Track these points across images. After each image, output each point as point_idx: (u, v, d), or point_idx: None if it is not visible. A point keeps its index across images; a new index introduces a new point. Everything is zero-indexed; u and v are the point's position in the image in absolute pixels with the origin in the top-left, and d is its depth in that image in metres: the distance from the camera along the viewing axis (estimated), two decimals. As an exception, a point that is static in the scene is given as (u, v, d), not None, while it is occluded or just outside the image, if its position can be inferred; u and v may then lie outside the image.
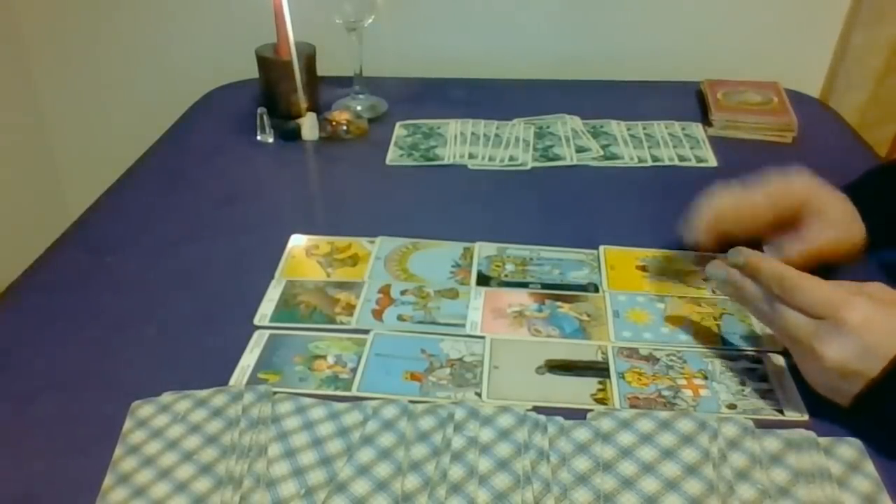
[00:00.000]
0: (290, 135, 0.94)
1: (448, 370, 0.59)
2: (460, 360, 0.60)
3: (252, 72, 0.97)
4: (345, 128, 0.95)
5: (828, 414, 0.55)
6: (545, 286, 0.69)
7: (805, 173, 0.66)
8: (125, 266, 0.72)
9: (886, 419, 0.52)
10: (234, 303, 0.66)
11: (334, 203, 0.85)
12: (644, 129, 0.97)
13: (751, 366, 0.60)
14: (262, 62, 0.95)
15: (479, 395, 0.57)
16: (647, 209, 0.79)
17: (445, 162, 0.90)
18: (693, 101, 1.05)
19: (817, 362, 0.53)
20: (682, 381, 0.58)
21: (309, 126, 0.94)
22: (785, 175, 0.66)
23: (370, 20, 0.96)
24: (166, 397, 0.56)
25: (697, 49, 1.13)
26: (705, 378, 0.58)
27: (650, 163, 0.90)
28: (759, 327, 0.63)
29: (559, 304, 0.66)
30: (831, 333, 0.51)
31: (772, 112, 0.96)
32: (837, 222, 0.65)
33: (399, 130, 0.98)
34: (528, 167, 0.89)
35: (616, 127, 0.98)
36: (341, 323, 0.64)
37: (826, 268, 0.63)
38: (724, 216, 0.66)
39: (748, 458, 0.50)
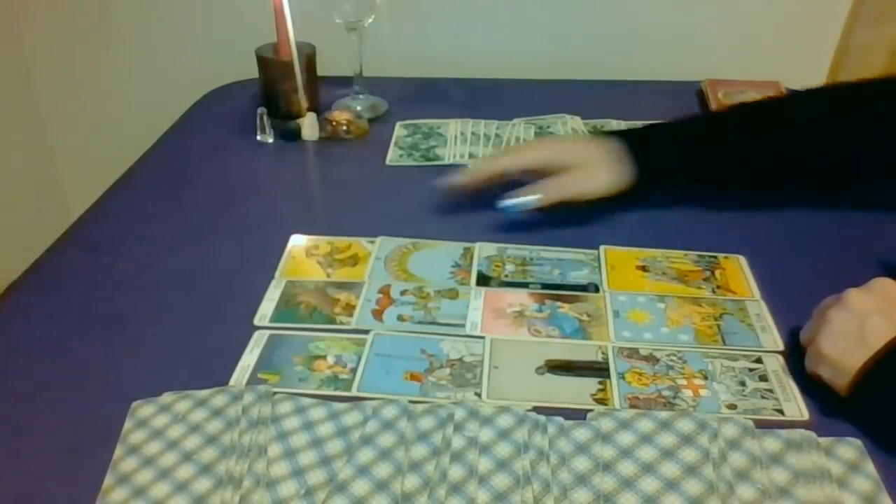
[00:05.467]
0: (290, 135, 0.94)
1: (448, 370, 0.59)
2: (460, 360, 0.60)
3: (252, 72, 0.97)
4: (345, 128, 0.95)
5: (828, 414, 0.55)
6: (545, 286, 0.69)
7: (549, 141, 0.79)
8: (125, 266, 0.72)
9: (874, 408, 0.53)
10: (234, 303, 0.66)
11: (334, 203, 0.85)
12: (644, 128, 0.97)
13: (751, 366, 0.60)
14: (262, 62, 0.95)
15: (479, 395, 0.57)
16: (647, 209, 0.79)
17: (445, 162, 0.90)
18: (693, 101, 1.05)
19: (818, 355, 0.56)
20: (682, 381, 0.58)
21: (309, 126, 0.94)
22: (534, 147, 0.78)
23: (370, 20, 0.96)
24: (166, 397, 0.56)
25: (697, 49, 1.12)
26: (705, 378, 0.58)
27: (650, 163, 0.89)
28: (759, 327, 0.63)
29: (559, 304, 0.66)
30: (822, 325, 0.55)
31: (772, 112, 0.96)
32: (584, 174, 0.75)
33: (399, 130, 0.98)
34: (529, 167, 0.89)
35: (616, 127, 0.98)
36: (341, 323, 0.64)
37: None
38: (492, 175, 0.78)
39: (748, 459, 0.50)
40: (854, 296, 0.55)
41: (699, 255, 0.73)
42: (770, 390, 0.57)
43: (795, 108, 0.77)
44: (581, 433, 0.52)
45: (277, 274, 0.70)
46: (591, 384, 0.58)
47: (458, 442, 0.51)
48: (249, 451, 0.51)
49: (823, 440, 0.52)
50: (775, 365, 0.60)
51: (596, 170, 0.75)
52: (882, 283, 0.56)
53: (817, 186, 0.78)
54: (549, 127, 0.98)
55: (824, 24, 1.12)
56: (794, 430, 0.53)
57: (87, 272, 0.71)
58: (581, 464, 0.50)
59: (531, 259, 0.72)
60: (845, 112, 0.74)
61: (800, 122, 0.75)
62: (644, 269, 0.71)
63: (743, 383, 0.58)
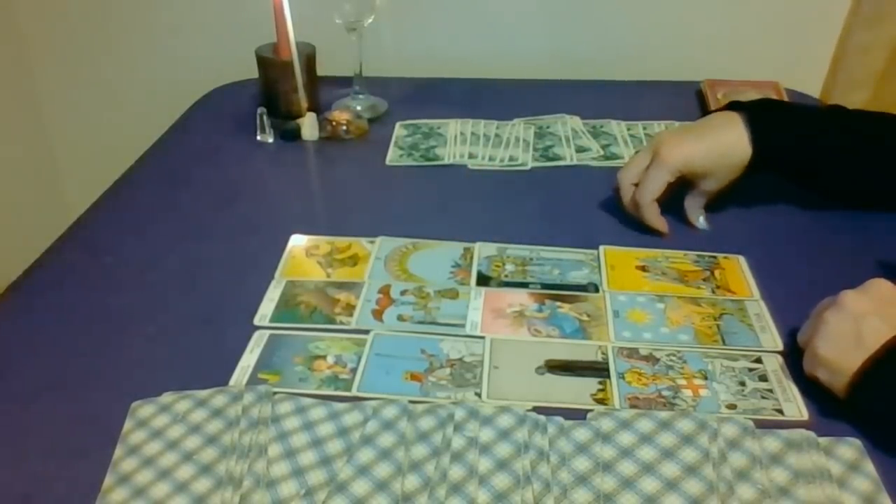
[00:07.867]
0: (290, 135, 0.94)
1: (448, 370, 0.59)
2: (460, 360, 0.60)
3: (252, 72, 0.97)
4: (345, 128, 0.95)
5: (828, 414, 0.55)
6: (545, 286, 0.69)
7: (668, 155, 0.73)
8: (125, 266, 0.72)
9: (873, 409, 0.53)
10: (234, 303, 0.66)
11: (334, 203, 0.85)
12: (644, 129, 0.97)
13: (751, 366, 0.60)
14: (262, 62, 0.95)
15: (479, 395, 0.57)
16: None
17: (445, 162, 0.90)
18: (693, 101, 1.05)
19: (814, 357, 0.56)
20: (682, 381, 0.58)
21: (309, 126, 0.94)
22: (656, 170, 0.74)
23: (370, 20, 0.96)
24: (166, 397, 0.56)
25: (697, 49, 1.13)
26: (705, 378, 0.58)
27: (650, 163, 0.90)
28: (758, 327, 0.63)
29: (559, 304, 0.66)
30: (819, 327, 0.55)
31: (772, 112, 0.96)
32: (717, 175, 0.75)
33: (399, 130, 0.98)
34: (528, 167, 0.89)
35: (616, 127, 0.98)
36: (341, 323, 0.64)
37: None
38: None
39: (748, 459, 0.50)
40: (849, 297, 0.55)
41: (699, 255, 0.73)
42: (770, 390, 0.57)
43: None
44: (581, 433, 0.53)
45: (277, 274, 0.70)
46: (591, 384, 0.58)
47: (458, 442, 0.52)
48: (249, 451, 0.51)
49: (823, 440, 0.52)
50: (775, 365, 0.60)
51: (724, 160, 0.73)
52: (877, 284, 0.56)
53: None
54: (548, 127, 0.98)
55: (824, 24, 1.12)
56: (794, 430, 0.53)
57: (87, 272, 0.71)
58: (581, 464, 0.50)
59: (531, 259, 0.72)
60: None
61: None
62: (644, 269, 0.71)
63: (743, 383, 0.58)
